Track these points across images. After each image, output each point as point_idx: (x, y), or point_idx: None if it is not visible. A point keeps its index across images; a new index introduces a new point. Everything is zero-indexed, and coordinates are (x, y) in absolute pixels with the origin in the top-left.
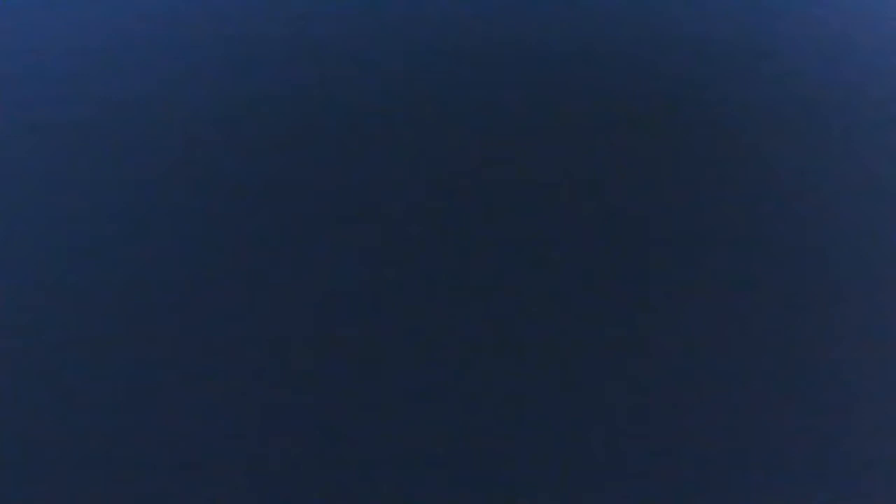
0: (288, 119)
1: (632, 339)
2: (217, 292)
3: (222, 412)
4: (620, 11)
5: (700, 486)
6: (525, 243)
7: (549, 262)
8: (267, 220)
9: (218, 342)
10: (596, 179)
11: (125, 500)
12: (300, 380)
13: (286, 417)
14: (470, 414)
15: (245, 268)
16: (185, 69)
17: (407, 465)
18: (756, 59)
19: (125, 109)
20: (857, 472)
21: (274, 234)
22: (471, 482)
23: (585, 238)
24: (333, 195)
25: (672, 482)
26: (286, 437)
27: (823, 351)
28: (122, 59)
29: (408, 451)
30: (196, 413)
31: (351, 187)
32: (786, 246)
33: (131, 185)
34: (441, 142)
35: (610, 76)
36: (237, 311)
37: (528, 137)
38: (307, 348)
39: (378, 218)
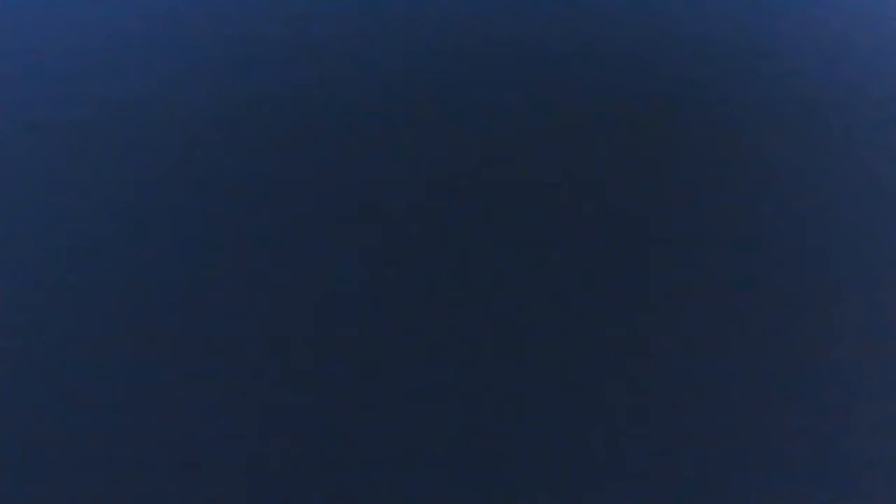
0: (288, 119)
1: (632, 339)
2: (217, 292)
3: (222, 412)
4: (620, 11)
5: (700, 486)
6: (525, 243)
7: (549, 262)
8: (267, 220)
9: (218, 342)
10: (596, 179)
11: (125, 500)
12: (300, 380)
13: (286, 417)
14: (470, 414)
15: (245, 268)
16: (185, 69)
17: (407, 465)
18: (756, 59)
19: (125, 109)
20: (857, 472)
21: (274, 234)
22: (471, 482)
23: (585, 238)
24: (333, 195)
25: (672, 482)
26: (286, 437)
27: (823, 351)
28: (122, 59)
29: (408, 451)
30: (196, 413)
31: (351, 187)
32: (786, 246)
33: (131, 185)
34: (441, 142)
35: (610, 76)
36: (237, 311)
37: (528, 137)
38: (307, 348)
39: (378, 218)
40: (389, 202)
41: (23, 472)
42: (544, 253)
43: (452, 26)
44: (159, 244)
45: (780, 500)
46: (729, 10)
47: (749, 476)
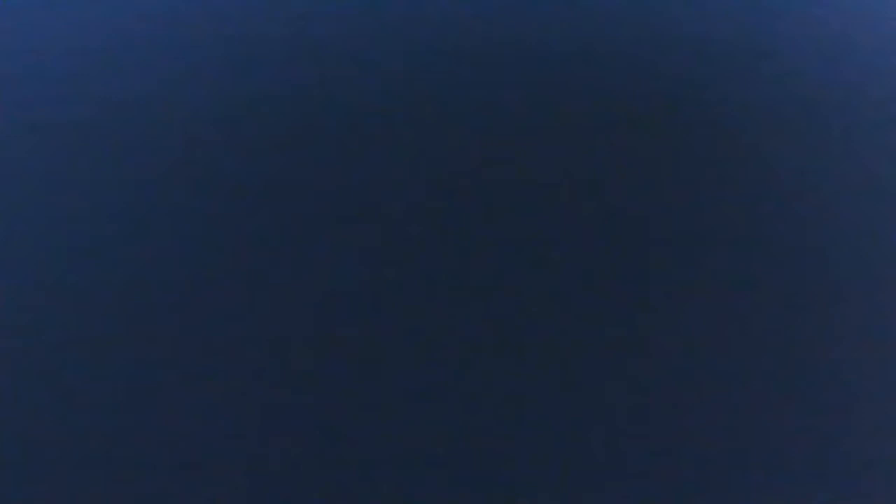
0: (288, 119)
1: (632, 339)
2: (217, 292)
3: (222, 412)
4: (620, 11)
5: (700, 486)
6: (525, 243)
7: (549, 262)
8: (267, 220)
9: (218, 342)
10: (596, 179)
11: (125, 500)
12: (300, 380)
13: (286, 417)
14: (470, 414)
15: (245, 268)
16: (185, 69)
17: (407, 465)
18: (756, 59)
19: (125, 109)
20: (857, 472)
21: (274, 234)
22: (471, 482)
23: (585, 238)
24: (333, 195)
25: (672, 482)
26: (286, 437)
27: (823, 351)
28: (122, 59)
29: (408, 451)
30: (196, 413)
31: (351, 187)
32: (786, 246)
33: (131, 185)
34: (441, 142)
35: (610, 76)
36: (237, 311)
37: (528, 137)
38: (307, 348)
39: (378, 218)
40: (389, 202)
41: (23, 472)
42: (544, 253)
43: (452, 26)
44: (159, 244)
45: (780, 500)
46: (729, 10)
47: (749, 476)
